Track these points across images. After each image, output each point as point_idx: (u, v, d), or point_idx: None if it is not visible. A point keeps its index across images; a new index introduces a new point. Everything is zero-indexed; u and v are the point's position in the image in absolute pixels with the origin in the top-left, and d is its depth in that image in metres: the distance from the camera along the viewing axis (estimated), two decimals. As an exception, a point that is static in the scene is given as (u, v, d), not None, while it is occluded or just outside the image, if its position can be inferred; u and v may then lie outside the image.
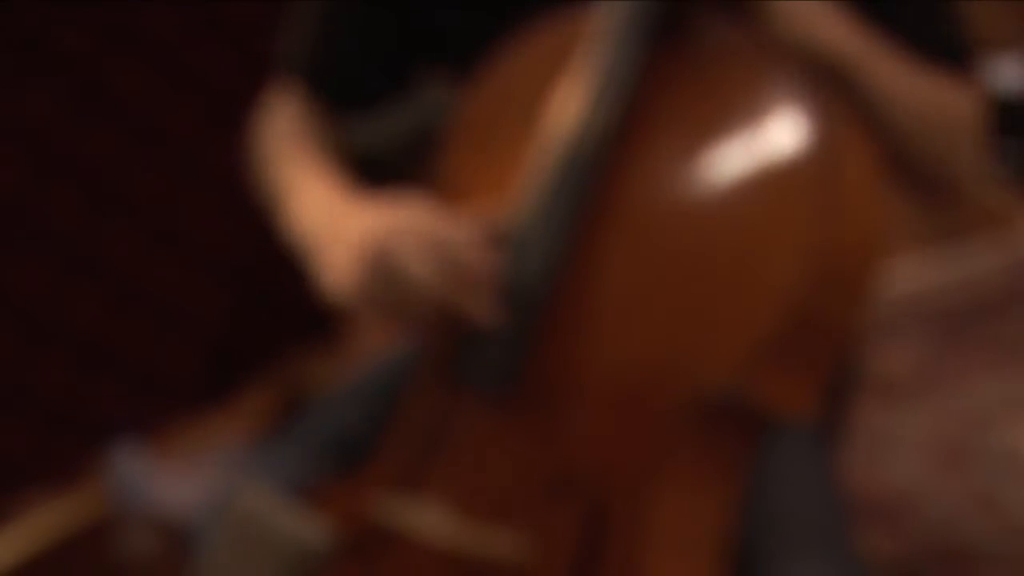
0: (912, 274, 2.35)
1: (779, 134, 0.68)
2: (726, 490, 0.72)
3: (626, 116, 0.72)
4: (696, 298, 0.67)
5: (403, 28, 0.92)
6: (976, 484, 1.74)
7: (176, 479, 1.70)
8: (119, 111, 1.47)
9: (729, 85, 0.71)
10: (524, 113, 0.77)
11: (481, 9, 0.83)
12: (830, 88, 0.72)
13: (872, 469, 1.77)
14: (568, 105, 0.73)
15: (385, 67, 0.95)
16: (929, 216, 2.58)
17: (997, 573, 1.56)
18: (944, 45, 0.81)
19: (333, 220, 0.79)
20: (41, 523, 1.60)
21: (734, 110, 0.70)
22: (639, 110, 0.72)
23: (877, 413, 1.91)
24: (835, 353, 0.73)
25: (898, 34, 0.77)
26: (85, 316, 1.53)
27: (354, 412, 0.92)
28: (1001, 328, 2.18)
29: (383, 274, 0.71)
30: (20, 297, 1.44)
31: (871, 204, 0.71)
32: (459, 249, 0.71)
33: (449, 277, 0.70)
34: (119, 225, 1.52)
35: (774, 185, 0.67)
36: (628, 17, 0.72)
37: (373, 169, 0.96)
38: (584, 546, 0.68)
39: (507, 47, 0.80)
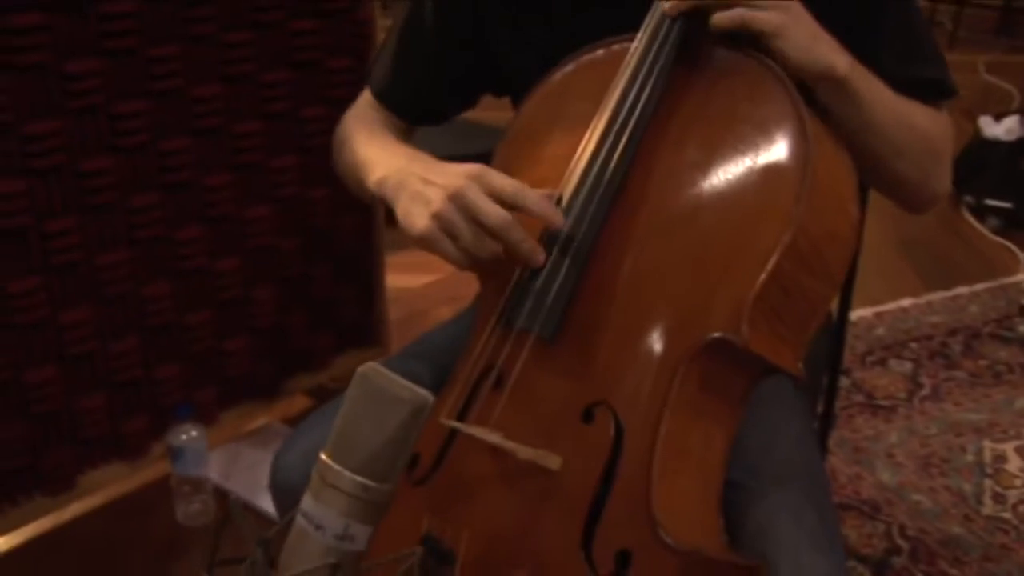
0: (907, 311, 2.55)
1: (771, 136, 0.86)
2: (723, 422, 0.90)
3: (653, 117, 0.91)
4: (702, 262, 0.86)
5: (471, 64, 1.11)
6: (953, 485, 1.92)
7: (230, 455, 1.87)
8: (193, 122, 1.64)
9: (734, 96, 0.90)
10: (570, 123, 0.96)
11: (540, 51, 1.02)
12: (823, 98, 0.91)
13: (865, 471, 1.95)
14: (607, 115, 0.92)
15: (452, 94, 1.15)
16: (924, 266, 2.79)
17: (968, 559, 1.73)
18: (918, 85, 1.01)
19: (415, 170, 0.92)
20: (116, 489, 1.77)
21: (738, 116, 0.89)
22: (664, 113, 0.91)
23: (872, 425, 2.10)
24: (811, 321, 0.91)
25: (880, 74, 0.96)
26: (160, 311, 1.69)
27: (419, 366, 1.09)
28: (981, 356, 2.38)
29: (458, 207, 0.85)
30: (105, 290, 1.61)
31: (840, 199, 0.90)
32: (523, 196, 0.86)
33: (511, 218, 0.85)
34: (193, 232, 1.69)
35: (764, 177, 0.86)
36: (654, 44, 0.92)
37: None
38: (609, 459, 0.86)
39: (557, 68, 0.99)
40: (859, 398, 2.18)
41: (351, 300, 1.99)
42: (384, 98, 1.16)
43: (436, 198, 0.87)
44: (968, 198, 3.09)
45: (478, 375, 0.93)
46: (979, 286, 2.68)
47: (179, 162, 1.62)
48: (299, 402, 2.02)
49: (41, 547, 1.70)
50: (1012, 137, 3.13)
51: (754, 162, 0.87)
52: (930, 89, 1.03)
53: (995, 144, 3.16)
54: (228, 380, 1.83)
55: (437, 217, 0.86)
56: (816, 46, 0.90)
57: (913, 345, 2.39)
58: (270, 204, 1.77)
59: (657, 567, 0.81)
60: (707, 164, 0.89)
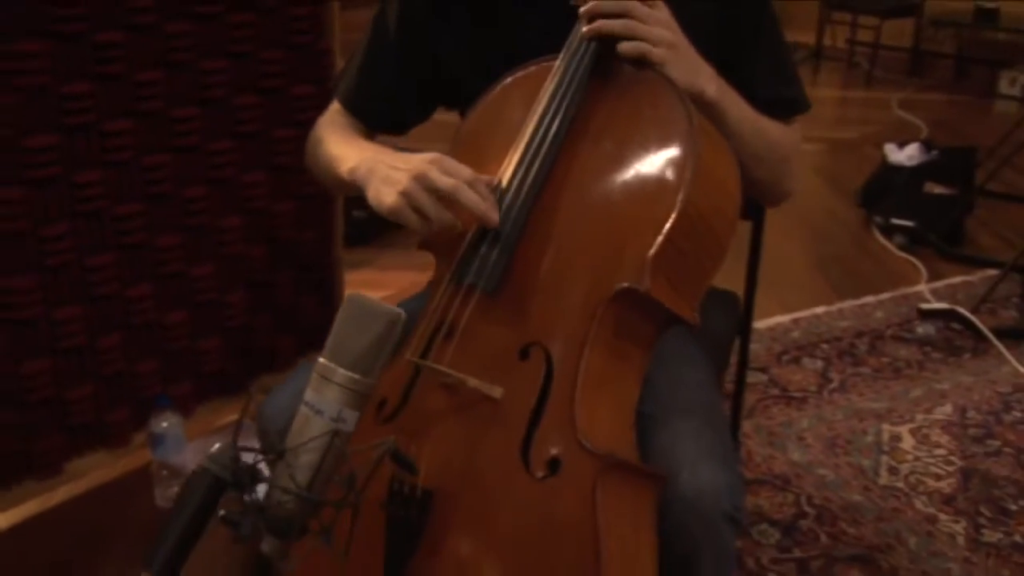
0: (820, 317, 2.80)
1: (667, 131, 1.09)
2: (634, 360, 1.11)
3: (575, 118, 1.13)
4: (613, 229, 1.08)
5: (427, 76, 1.32)
6: (855, 461, 2.15)
7: (205, 447, 2.03)
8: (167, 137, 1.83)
9: (639, 101, 1.13)
10: (508, 124, 1.17)
11: (487, 68, 1.23)
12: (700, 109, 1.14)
13: (778, 452, 2.17)
14: (537, 116, 1.14)
15: (412, 104, 1.36)
16: (837, 279, 3.05)
17: (864, 520, 1.96)
18: (779, 103, 1.26)
19: (383, 159, 1.13)
20: (100, 476, 1.92)
21: (642, 117, 1.12)
22: (583, 114, 1.13)
23: (786, 413, 2.33)
24: (703, 279, 1.13)
25: (751, 93, 1.20)
26: (142, 310, 1.86)
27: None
28: (884, 354, 2.63)
29: (421, 185, 1.06)
30: (94, 290, 1.78)
31: (723, 182, 1.12)
32: (473, 177, 1.07)
33: (464, 191, 1.06)
34: (172, 239, 1.87)
35: (662, 162, 1.08)
36: (574, 61, 1.14)
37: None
38: (541, 388, 1.06)
39: (498, 82, 1.21)
40: (775, 391, 2.42)
41: (312, 306, 2.17)
42: (351, 107, 1.37)
43: (402, 179, 1.08)
44: (877, 218, 3.38)
45: (433, 327, 1.13)
46: (884, 295, 2.95)
47: (160, 176, 1.81)
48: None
49: (31, 529, 1.85)
50: (914, 163, 3.43)
51: (654, 151, 1.10)
52: (789, 105, 1.28)
53: (899, 169, 3.46)
54: (202, 376, 2.00)
55: (404, 194, 1.07)
56: (695, 76, 1.15)
57: (824, 346, 2.64)
58: (241, 215, 1.97)
59: (580, 468, 1.02)
60: (618, 153, 1.11)
